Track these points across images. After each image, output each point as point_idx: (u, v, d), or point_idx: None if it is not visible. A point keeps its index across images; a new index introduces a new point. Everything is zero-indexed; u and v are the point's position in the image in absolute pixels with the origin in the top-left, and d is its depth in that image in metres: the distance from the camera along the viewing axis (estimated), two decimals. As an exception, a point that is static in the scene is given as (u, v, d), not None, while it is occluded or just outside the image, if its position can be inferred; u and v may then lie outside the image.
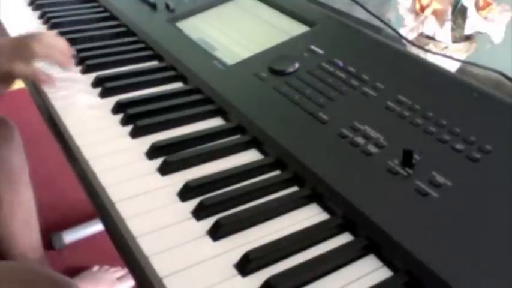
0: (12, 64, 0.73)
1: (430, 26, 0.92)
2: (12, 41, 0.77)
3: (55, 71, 0.78)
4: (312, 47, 0.78)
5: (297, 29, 0.84)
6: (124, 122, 0.70)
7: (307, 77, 0.72)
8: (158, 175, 0.61)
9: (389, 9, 1.07)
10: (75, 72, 0.82)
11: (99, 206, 0.59)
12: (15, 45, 0.75)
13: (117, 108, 0.72)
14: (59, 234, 1.48)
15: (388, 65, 0.72)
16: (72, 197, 1.54)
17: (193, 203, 0.56)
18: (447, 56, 0.89)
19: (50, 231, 1.46)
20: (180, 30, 0.89)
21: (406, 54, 0.76)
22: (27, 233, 1.20)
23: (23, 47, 0.74)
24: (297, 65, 0.74)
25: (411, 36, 0.93)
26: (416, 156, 0.57)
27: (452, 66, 0.90)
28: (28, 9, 1.05)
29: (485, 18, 0.91)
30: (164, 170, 0.61)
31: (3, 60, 0.73)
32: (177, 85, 0.79)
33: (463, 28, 0.93)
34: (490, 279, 0.45)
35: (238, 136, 0.68)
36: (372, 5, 0.94)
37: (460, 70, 0.92)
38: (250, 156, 0.65)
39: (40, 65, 0.76)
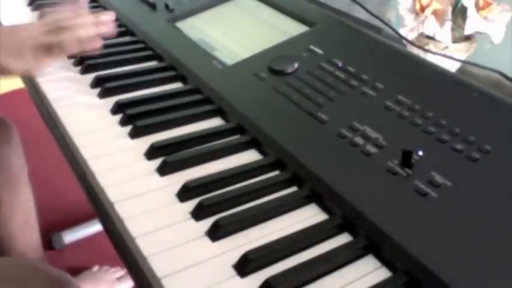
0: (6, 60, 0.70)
1: (430, 26, 0.92)
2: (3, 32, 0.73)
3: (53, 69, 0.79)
4: (312, 47, 0.78)
5: (296, 29, 0.84)
6: (123, 122, 0.70)
7: (307, 77, 0.72)
8: (157, 175, 0.61)
9: (389, 9, 1.07)
10: (74, 72, 0.82)
11: (98, 206, 0.59)
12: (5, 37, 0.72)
13: (117, 109, 0.72)
14: (59, 234, 1.48)
15: (388, 65, 0.72)
16: (72, 197, 1.54)
17: (192, 203, 0.56)
18: (447, 56, 0.89)
19: (50, 231, 1.46)
20: (179, 30, 0.89)
21: (406, 54, 0.75)
22: (27, 233, 1.20)
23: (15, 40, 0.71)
24: (296, 65, 0.74)
25: (411, 36, 0.93)
26: (415, 156, 0.56)
27: (452, 66, 0.90)
28: (28, 10, 1.05)
29: (485, 18, 0.91)
30: (163, 170, 0.61)
31: None
32: (177, 85, 0.79)
33: (463, 28, 0.92)
34: (490, 279, 0.45)
35: (237, 136, 0.67)
36: (371, 5, 0.94)
37: (460, 70, 0.92)
38: (250, 156, 0.65)
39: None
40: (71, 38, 0.72)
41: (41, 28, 0.72)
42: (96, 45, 0.75)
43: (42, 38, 0.71)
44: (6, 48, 0.70)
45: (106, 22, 0.76)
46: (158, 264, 0.49)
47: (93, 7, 1.04)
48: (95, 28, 0.75)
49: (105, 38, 0.80)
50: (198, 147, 0.65)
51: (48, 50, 0.72)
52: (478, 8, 0.91)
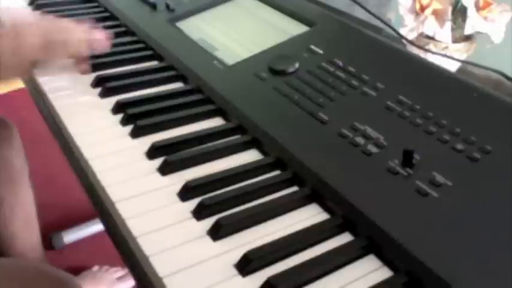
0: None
1: (430, 26, 0.92)
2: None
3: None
4: (312, 47, 0.78)
5: (296, 29, 0.84)
6: (124, 122, 0.70)
7: (307, 77, 0.72)
8: (158, 175, 0.61)
9: (389, 9, 1.07)
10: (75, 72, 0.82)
11: (99, 206, 0.59)
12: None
13: (117, 108, 0.72)
14: (59, 234, 1.48)
15: (388, 65, 0.72)
16: (72, 197, 1.54)
17: (193, 203, 0.56)
18: (447, 56, 0.89)
19: (50, 231, 1.46)
20: (180, 30, 0.89)
21: (406, 54, 0.76)
22: (27, 233, 1.20)
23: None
24: (297, 65, 0.74)
25: (411, 36, 0.93)
26: (416, 156, 0.57)
27: (452, 66, 0.90)
28: (28, 9, 1.05)
29: (485, 18, 0.92)
30: (164, 170, 0.61)
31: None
32: (177, 85, 0.79)
33: (463, 28, 0.93)
34: (490, 279, 0.45)
35: (238, 136, 0.68)
36: (372, 5, 0.94)
37: (460, 70, 0.92)
38: (250, 156, 0.65)
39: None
40: (63, 56, 0.74)
41: (34, 42, 0.73)
42: (86, 69, 0.78)
43: (38, 55, 0.72)
44: (5, 65, 0.71)
45: (99, 40, 0.77)
46: (159, 263, 0.49)
47: (93, 7, 1.04)
48: (88, 46, 0.76)
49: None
50: (199, 147, 0.65)
51: (42, 65, 0.73)
52: (478, 8, 0.91)
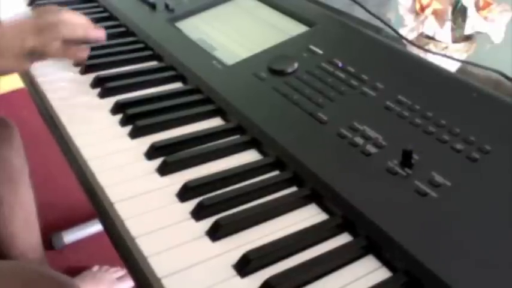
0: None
1: (430, 26, 0.92)
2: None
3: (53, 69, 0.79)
4: (312, 47, 0.78)
5: (296, 28, 0.84)
6: (123, 122, 0.70)
7: (307, 77, 0.72)
8: (157, 175, 0.61)
9: (389, 9, 1.07)
10: (74, 73, 0.82)
11: (98, 206, 0.59)
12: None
13: (117, 109, 0.72)
14: (59, 234, 1.48)
15: (387, 65, 0.72)
16: (72, 197, 1.54)
17: (192, 203, 0.56)
18: (447, 56, 0.89)
19: (50, 231, 1.46)
20: (179, 30, 0.89)
21: (406, 54, 0.75)
22: (27, 233, 1.20)
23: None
24: (296, 65, 0.74)
25: (411, 36, 0.93)
26: (415, 156, 0.57)
27: (452, 66, 0.90)
28: (28, 10, 1.05)
29: (485, 18, 0.91)
30: (163, 170, 0.61)
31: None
32: (177, 85, 0.79)
33: (463, 28, 0.93)
34: (490, 279, 0.45)
35: (237, 136, 0.67)
36: (371, 5, 0.94)
37: (460, 70, 0.92)
38: (250, 156, 0.65)
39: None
40: (55, 41, 0.70)
41: (27, 27, 0.70)
42: (83, 55, 0.75)
43: (27, 42, 0.69)
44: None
45: (95, 29, 0.75)
46: (158, 264, 0.49)
47: (93, 7, 1.04)
48: (83, 30, 0.73)
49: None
50: (198, 147, 0.65)
51: (32, 53, 0.70)
52: (478, 8, 0.91)
